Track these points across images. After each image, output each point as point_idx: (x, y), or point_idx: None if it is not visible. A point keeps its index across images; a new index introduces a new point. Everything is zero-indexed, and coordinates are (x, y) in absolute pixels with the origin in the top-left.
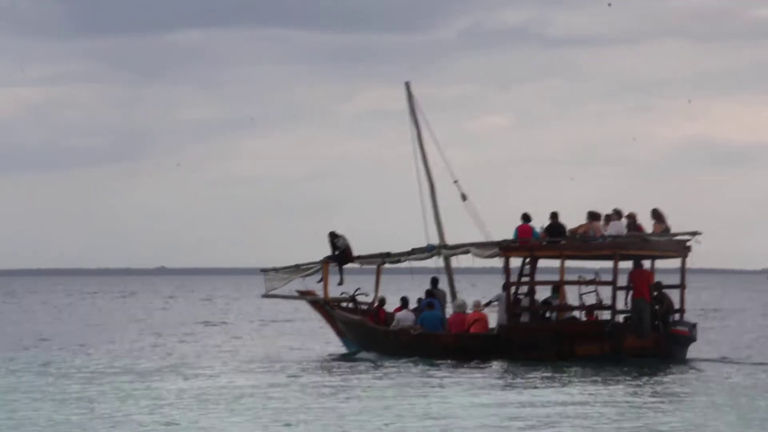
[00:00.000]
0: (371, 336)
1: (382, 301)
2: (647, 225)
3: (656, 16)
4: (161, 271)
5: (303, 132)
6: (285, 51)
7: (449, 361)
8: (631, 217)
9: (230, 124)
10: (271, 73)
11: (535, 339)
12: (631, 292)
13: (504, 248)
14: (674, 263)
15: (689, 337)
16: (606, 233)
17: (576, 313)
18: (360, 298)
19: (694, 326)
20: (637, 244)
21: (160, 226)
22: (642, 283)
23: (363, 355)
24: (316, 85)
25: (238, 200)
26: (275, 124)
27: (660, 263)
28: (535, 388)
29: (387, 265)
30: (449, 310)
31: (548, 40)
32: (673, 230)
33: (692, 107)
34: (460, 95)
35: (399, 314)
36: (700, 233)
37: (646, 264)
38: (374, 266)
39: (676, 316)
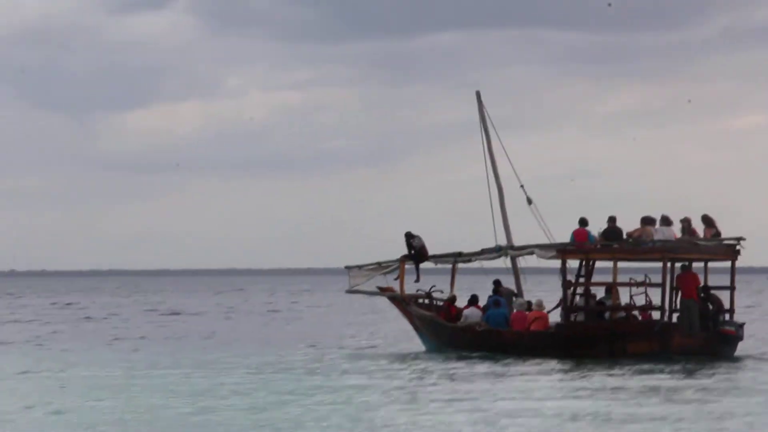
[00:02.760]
0: (441, 331)
1: (453, 299)
2: (700, 229)
3: None
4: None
5: (555, 134)
6: (538, 51)
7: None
8: (686, 222)
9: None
10: (524, 74)
11: (590, 337)
12: (680, 294)
13: (561, 251)
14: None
15: (736, 336)
16: (656, 238)
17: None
18: (436, 295)
19: (741, 326)
20: (686, 247)
21: (414, 227)
22: (690, 285)
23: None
24: (569, 86)
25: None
26: (527, 126)
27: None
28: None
29: (460, 265)
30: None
31: None
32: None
33: None
34: (719, 94)
35: (467, 311)
36: (744, 239)
37: (700, 266)
38: (449, 265)
39: (726, 316)
